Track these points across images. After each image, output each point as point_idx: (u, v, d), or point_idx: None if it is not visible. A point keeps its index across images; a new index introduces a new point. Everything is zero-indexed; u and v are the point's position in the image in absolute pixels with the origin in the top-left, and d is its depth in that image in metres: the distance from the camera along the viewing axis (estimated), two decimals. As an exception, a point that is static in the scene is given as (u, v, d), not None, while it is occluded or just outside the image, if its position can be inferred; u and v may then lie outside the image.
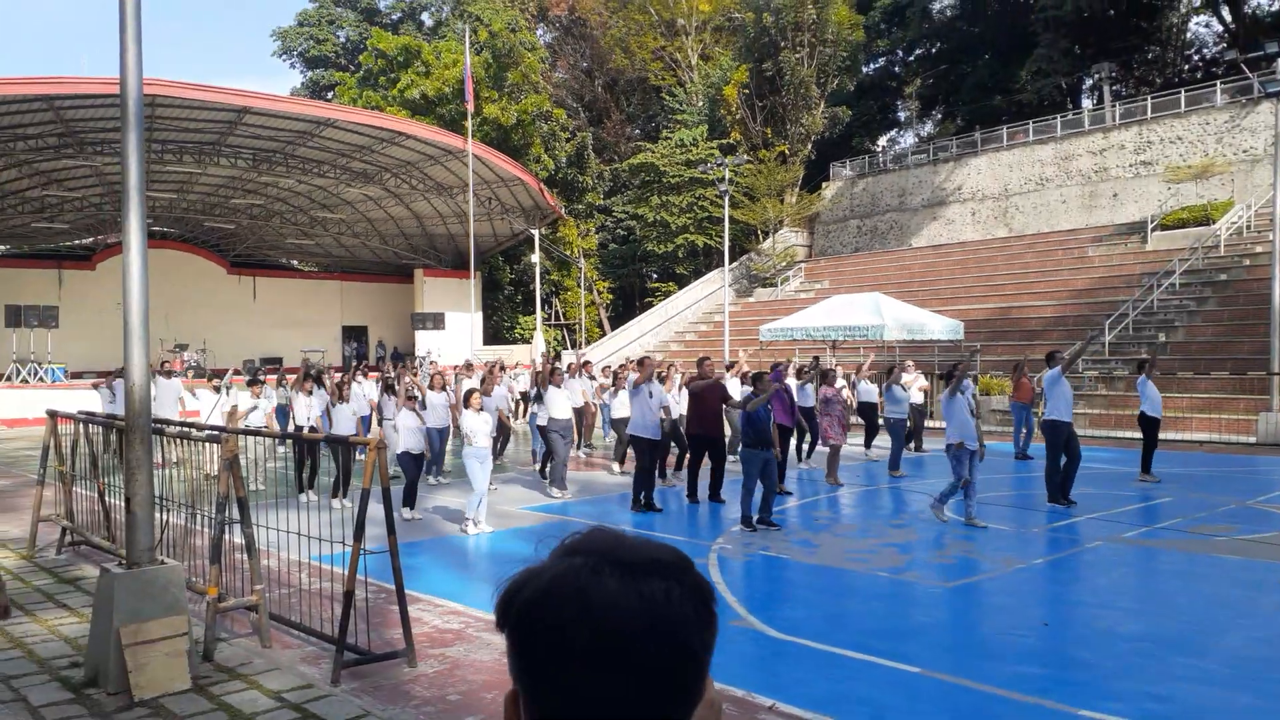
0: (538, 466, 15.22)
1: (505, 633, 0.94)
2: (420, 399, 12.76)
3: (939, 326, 22.23)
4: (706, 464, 12.80)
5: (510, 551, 10.02)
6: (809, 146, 44.41)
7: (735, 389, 14.47)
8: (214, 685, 5.85)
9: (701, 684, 0.93)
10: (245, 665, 6.23)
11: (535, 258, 39.80)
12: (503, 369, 19.41)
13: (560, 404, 13.64)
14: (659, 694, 0.90)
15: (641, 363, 13.01)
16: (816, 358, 25.60)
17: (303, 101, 35.90)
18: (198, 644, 6.27)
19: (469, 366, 20.30)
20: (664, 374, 14.73)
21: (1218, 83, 32.54)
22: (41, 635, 6.89)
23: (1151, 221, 29.80)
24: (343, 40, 60.01)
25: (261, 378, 16.24)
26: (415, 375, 15.44)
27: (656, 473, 12.61)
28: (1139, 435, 14.46)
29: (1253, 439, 18.71)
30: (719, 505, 12.42)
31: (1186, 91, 33.03)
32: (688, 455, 13.26)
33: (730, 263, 36.47)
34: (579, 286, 45.33)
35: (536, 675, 0.91)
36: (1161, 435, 14.64)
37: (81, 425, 9.96)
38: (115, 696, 5.63)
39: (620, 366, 19.38)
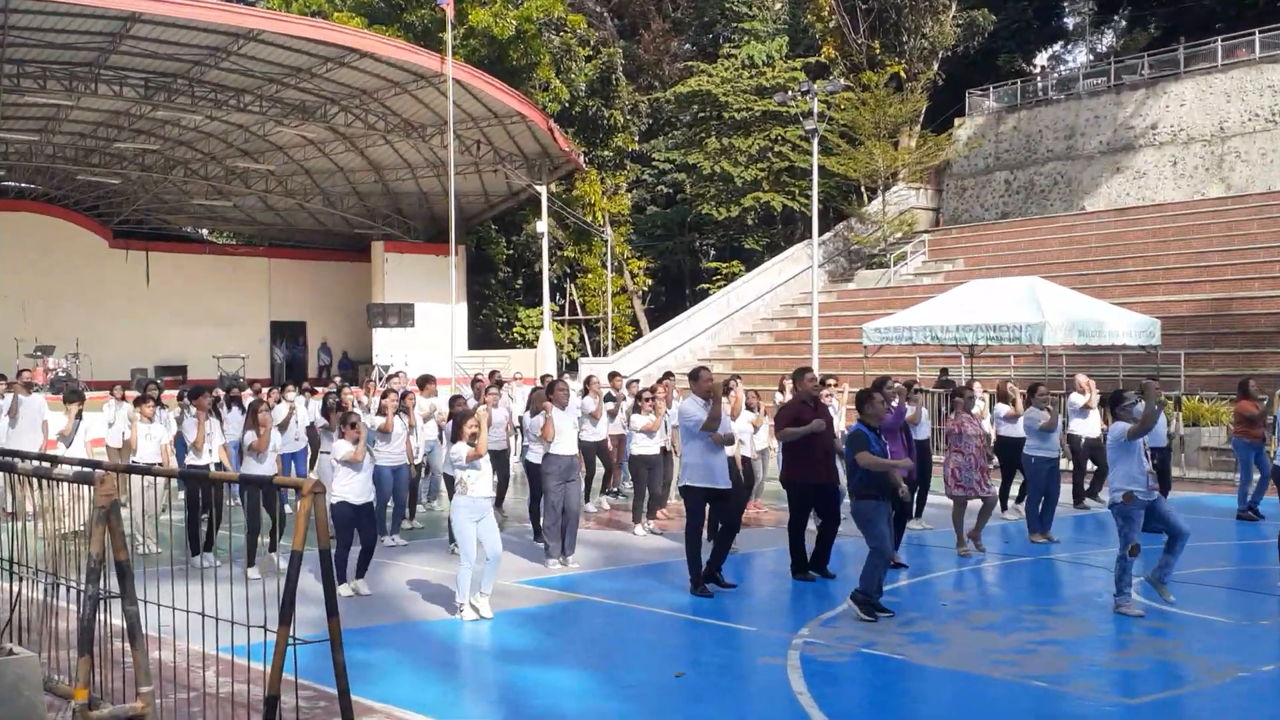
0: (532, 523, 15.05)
1: None
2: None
3: (1124, 326, 22.02)
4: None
5: (503, 644, 10.02)
6: (935, 67, 44.21)
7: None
8: (81, 828, 5.90)
9: None
10: (125, 800, 6.27)
11: (543, 226, 39.80)
12: (499, 384, 19.47)
13: (564, 434, 13.57)
14: None
15: (696, 375, 12.56)
16: (945, 369, 25.57)
17: (215, 5, 36.18)
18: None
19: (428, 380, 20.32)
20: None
21: None
22: None
23: None
24: (273, -81, 60.76)
25: (155, 394, 16.42)
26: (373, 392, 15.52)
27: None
28: None
29: None
30: (827, 581, 12.27)
31: None
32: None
33: (822, 234, 36.35)
34: (604, 267, 45.38)
35: None
36: None
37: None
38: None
39: (659, 382, 19.28)
